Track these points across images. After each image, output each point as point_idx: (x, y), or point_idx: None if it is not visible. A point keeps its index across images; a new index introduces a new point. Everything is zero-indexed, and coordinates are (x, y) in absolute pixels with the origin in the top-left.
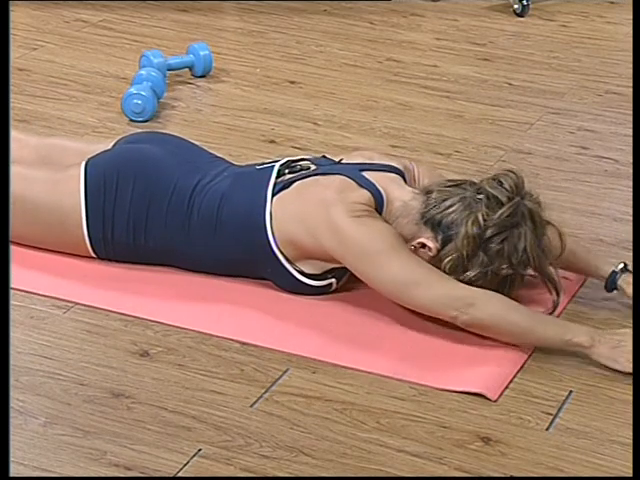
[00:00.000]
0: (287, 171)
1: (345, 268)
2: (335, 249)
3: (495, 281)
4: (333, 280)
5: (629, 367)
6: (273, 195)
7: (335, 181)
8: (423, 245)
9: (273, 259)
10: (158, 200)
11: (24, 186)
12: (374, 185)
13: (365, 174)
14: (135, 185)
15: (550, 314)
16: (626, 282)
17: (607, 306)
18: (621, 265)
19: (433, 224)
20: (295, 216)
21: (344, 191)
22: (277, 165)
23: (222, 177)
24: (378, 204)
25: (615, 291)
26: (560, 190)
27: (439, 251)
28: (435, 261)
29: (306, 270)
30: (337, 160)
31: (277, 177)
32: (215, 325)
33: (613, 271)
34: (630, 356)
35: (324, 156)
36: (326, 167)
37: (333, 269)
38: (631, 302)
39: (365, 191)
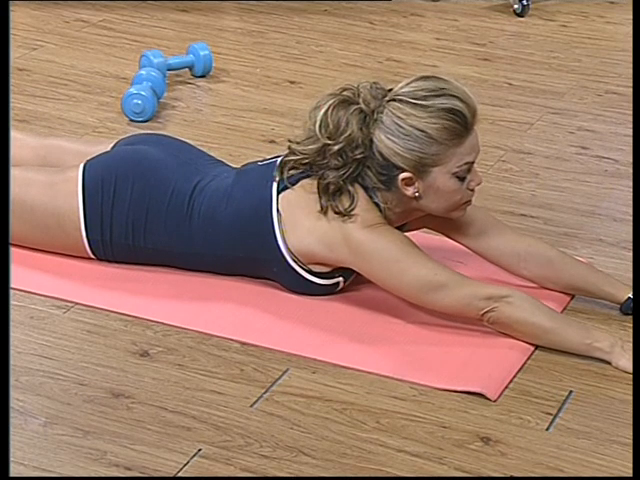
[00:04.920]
0: (290, 166)
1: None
2: (353, 262)
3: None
4: (340, 279)
5: None
6: (279, 192)
7: None
8: (407, 182)
9: (280, 259)
10: (157, 201)
11: (22, 189)
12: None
13: None
14: (134, 187)
15: None
16: None
17: (607, 306)
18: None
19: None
20: (306, 227)
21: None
22: (279, 160)
23: (222, 177)
24: (377, 204)
25: (629, 315)
26: (560, 190)
27: (416, 173)
28: (425, 184)
29: (313, 269)
30: None
31: (281, 173)
32: (215, 325)
33: (629, 297)
34: None
35: None
36: None
37: (341, 267)
38: None
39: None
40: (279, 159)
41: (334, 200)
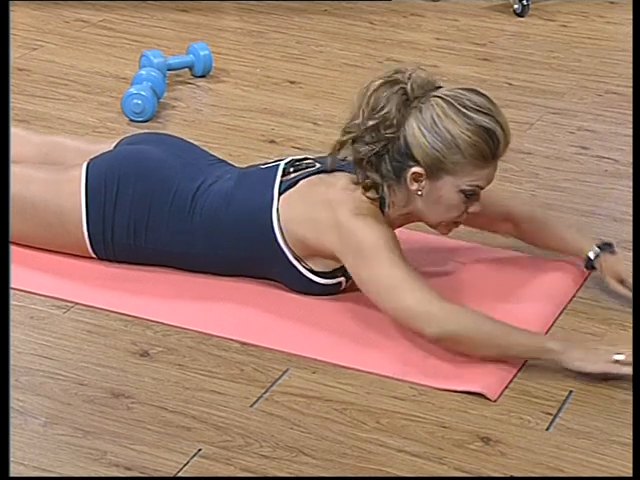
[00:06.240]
0: (292, 169)
1: None
2: (335, 244)
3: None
4: (342, 279)
5: (604, 367)
6: (280, 194)
7: (341, 179)
8: (416, 177)
9: (281, 257)
10: (159, 202)
11: (23, 186)
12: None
13: None
14: (136, 186)
15: None
16: (603, 261)
17: (607, 306)
18: (601, 244)
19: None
20: (302, 215)
21: (349, 188)
22: (282, 164)
23: (225, 178)
24: (382, 198)
25: (594, 270)
26: (560, 190)
27: (428, 172)
28: (431, 187)
29: (315, 268)
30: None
31: (282, 175)
32: (215, 325)
33: (589, 255)
34: (606, 356)
35: (331, 154)
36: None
37: (343, 267)
38: (605, 282)
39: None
40: (282, 162)
41: (367, 172)
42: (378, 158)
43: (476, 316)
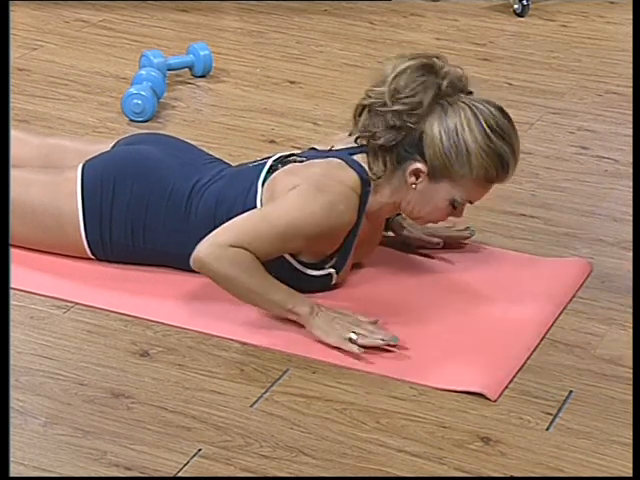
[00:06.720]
0: (280, 166)
1: (343, 257)
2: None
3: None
4: (332, 270)
5: (338, 342)
6: (263, 185)
7: (324, 161)
8: (417, 172)
9: None
10: (156, 202)
11: (22, 189)
12: (362, 167)
13: (355, 157)
14: (133, 187)
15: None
16: (398, 224)
17: (607, 306)
18: None
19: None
20: (277, 193)
21: (331, 168)
22: (270, 161)
23: (219, 177)
24: (364, 188)
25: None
26: (560, 190)
27: (426, 163)
28: (427, 186)
29: (303, 259)
30: (328, 149)
31: (268, 172)
32: (215, 325)
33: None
34: (342, 332)
35: (313, 148)
36: (317, 154)
37: (331, 257)
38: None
39: (352, 171)
40: (270, 159)
41: (378, 151)
42: (391, 144)
43: (243, 263)
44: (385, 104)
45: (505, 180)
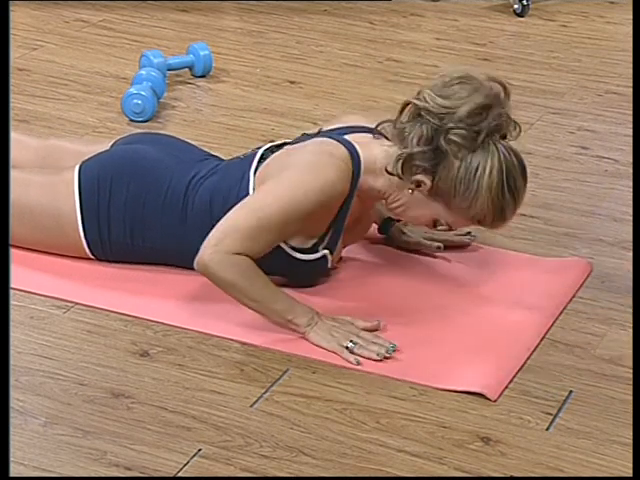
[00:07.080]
0: (271, 154)
1: (336, 235)
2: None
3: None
4: (326, 252)
5: (335, 348)
6: (255, 174)
7: (316, 140)
8: (419, 184)
9: None
10: (153, 200)
11: (22, 190)
12: (353, 145)
13: (346, 136)
14: (130, 186)
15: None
16: (397, 230)
17: (607, 306)
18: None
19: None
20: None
21: (320, 144)
22: (261, 150)
23: (213, 172)
24: (355, 162)
25: (385, 235)
26: (560, 190)
27: (433, 180)
28: (421, 197)
29: (295, 244)
30: (317, 131)
31: (259, 161)
32: (215, 325)
33: (389, 217)
34: (340, 340)
35: (304, 133)
36: (308, 139)
37: (323, 238)
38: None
39: (341, 146)
40: (261, 149)
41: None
42: (424, 154)
43: (246, 270)
44: (441, 119)
45: (493, 228)
